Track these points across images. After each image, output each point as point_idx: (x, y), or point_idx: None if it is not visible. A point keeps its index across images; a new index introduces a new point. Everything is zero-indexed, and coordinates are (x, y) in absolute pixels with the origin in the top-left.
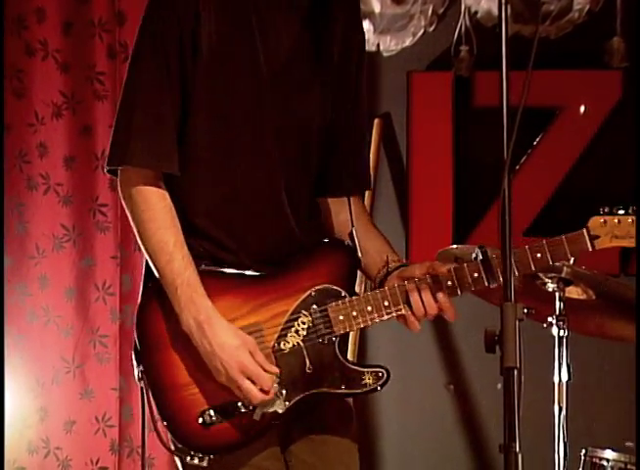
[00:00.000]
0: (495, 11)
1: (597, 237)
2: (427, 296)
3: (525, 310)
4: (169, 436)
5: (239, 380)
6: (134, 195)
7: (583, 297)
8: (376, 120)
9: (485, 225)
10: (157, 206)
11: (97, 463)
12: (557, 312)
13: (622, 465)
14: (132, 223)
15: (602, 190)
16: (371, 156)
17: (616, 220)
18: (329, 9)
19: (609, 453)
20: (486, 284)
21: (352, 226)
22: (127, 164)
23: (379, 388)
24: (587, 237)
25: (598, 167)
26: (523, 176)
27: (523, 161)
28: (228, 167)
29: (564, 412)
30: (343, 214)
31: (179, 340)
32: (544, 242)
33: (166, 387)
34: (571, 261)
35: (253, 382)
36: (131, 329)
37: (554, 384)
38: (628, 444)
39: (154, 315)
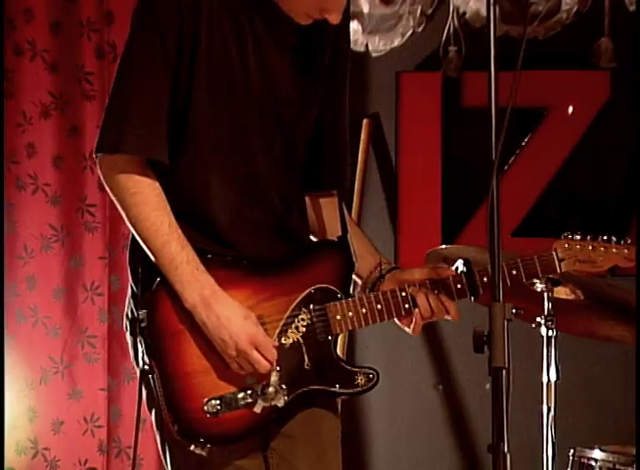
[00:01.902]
0: (484, 11)
1: (563, 259)
2: (433, 298)
3: (514, 310)
4: (172, 425)
5: (248, 350)
6: (122, 180)
7: (572, 297)
8: (365, 121)
9: (474, 225)
10: (148, 188)
11: (85, 464)
12: (545, 313)
13: (611, 465)
14: (121, 207)
15: (590, 190)
16: (360, 156)
17: (578, 245)
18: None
19: (597, 453)
20: (468, 295)
21: (347, 231)
22: (122, 151)
23: (369, 389)
24: (556, 258)
25: (586, 168)
26: (511, 176)
27: (511, 161)
28: (221, 166)
29: (552, 412)
30: (331, 214)
31: (189, 329)
32: (519, 260)
33: (173, 375)
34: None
35: (261, 353)
36: (119, 329)
37: (542, 384)
38: None
39: (165, 307)
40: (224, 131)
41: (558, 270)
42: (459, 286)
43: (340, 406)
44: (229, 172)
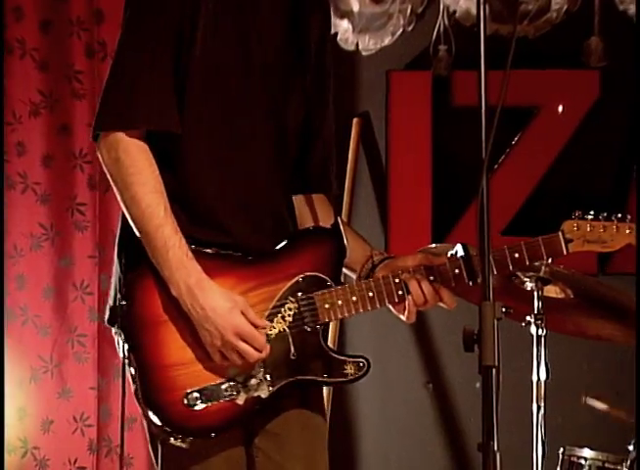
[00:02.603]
0: (474, 10)
1: (571, 240)
2: (426, 285)
3: (504, 309)
4: (151, 417)
5: (234, 342)
6: (123, 158)
7: (562, 296)
8: (355, 120)
9: (464, 224)
10: (147, 170)
11: (75, 463)
12: (535, 311)
13: (600, 464)
14: (117, 187)
15: (580, 189)
16: (350, 154)
17: (587, 225)
18: (305, 15)
19: (586, 452)
20: (466, 281)
21: (338, 216)
22: (133, 125)
23: (359, 378)
24: (562, 240)
25: (576, 167)
26: (501, 175)
27: (501, 160)
28: (219, 157)
29: (542, 411)
30: (321, 208)
31: (169, 319)
32: (522, 243)
33: (153, 366)
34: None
35: (248, 343)
36: (109, 328)
37: (532, 383)
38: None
39: (147, 293)
40: (216, 115)
41: (564, 252)
42: (457, 271)
43: (330, 405)
44: (221, 157)
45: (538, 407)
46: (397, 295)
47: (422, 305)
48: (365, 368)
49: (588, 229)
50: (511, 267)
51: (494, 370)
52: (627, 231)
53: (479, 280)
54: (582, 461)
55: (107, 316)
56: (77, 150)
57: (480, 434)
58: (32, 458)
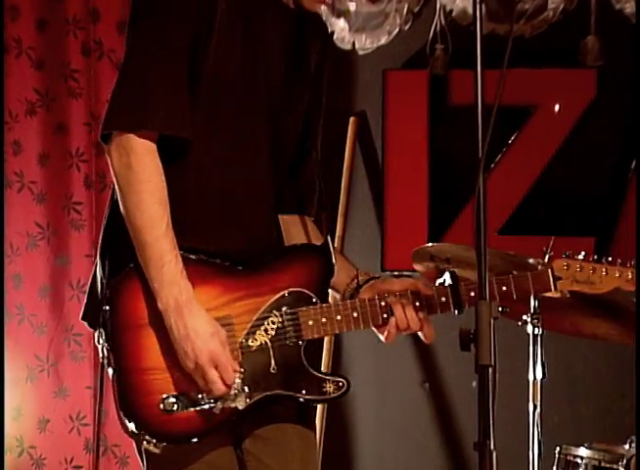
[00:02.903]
0: (470, 9)
1: (559, 278)
2: (410, 311)
3: (500, 309)
4: (124, 419)
5: (206, 367)
6: (134, 164)
7: (558, 295)
8: (351, 119)
9: (460, 224)
10: (157, 179)
11: (71, 462)
12: (531, 311)
13: (596, 463)
14: (123, 192)
15: (576, 188)
16: (346, 154)
17: (577, 265)
18: (306, 32)
19: (583, 451)
20: (452, 309)
21: (327, 234)
22: (148, 127)
23: (338, 397)
24: (551, 277)
25: (572, 166)
26: (497, 175)
27: (498, 159)
28: (215, 166)
29: (538, 410)
30: (302, 234)
31: (151, 323)
32: (510, 276)
33: (131, 368)
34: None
35: (218, 372)
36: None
37: (528, 382)
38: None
39: (131, 296)
40: (219, 128)
41: (552, 289)
42: (443, 299)
43: (325, 405)
44: (220, 170)
45: (535, 406)
46: (382, 318)
47: (404, 329)
48: (344, 388)
49: (578, 269)
50: (498, 300)
51: (490, 369)
52: (617, 274)
53: (464, 310)
54: (579, 460)
55: (83, 314)
56: (74, 149)
57: (477, 433)
58: (29, 458)
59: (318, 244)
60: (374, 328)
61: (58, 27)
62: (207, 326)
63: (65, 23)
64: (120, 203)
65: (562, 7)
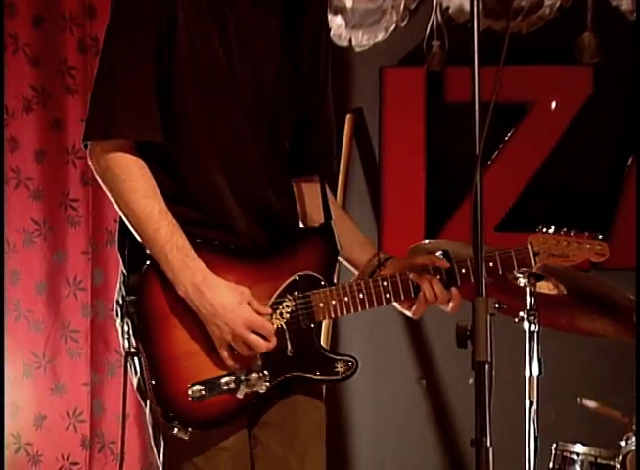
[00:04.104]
0: (467, 6)
1: (538, 253)
2: (437, 283)
3: (497, 305)
4: (156, 406)
5: (244, 334)
6: (112, 166)
7: (554, 292)
8: (348, 115)
9: (457, 220)
10: (137, 175)
11: (68, 459)
12: (528, 307)
13: (593, 459)
14: (112, 195)
15: (573, 185)
16: (343, 150)
17: (553, 239)
18: (300, 5)
19: (579, 447)
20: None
21: (331, 218)
22: (114, 136)
23: (349, 377)
24: (531, 252)
25: (569, 163)
26: (494, 171)
27: (494, 156)
28: (208, 150)
29: (535, 407)
30: (316, 200)
31: (174, 313)
32: (496, 252)
33: (163, 357)
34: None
35: (257, 333)
36: (102, 324)
37: (525, 378)
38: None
39: (154, 290)
40: (208, 115)
41: (533, 264)
42: (463, 271)
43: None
44: (216, 156)
45: (531, 403)
46: (411, 293)
47: (432, 302)
48: (354, 368)
49: (554, 242)
50: (486, 276)
51: (487, 366)
52: (587, 246)
53: (453, 288)
54: (575, 457)
55: (116, 312)
56: (70, 145)
57: (473, 429)
58: (25, 454)
59: (318, 226)
60: (397, 305)
61: (54, 24)
62: (231, 297)
63: (61, 19)
64: (115, 207)
65: (558, 4)
